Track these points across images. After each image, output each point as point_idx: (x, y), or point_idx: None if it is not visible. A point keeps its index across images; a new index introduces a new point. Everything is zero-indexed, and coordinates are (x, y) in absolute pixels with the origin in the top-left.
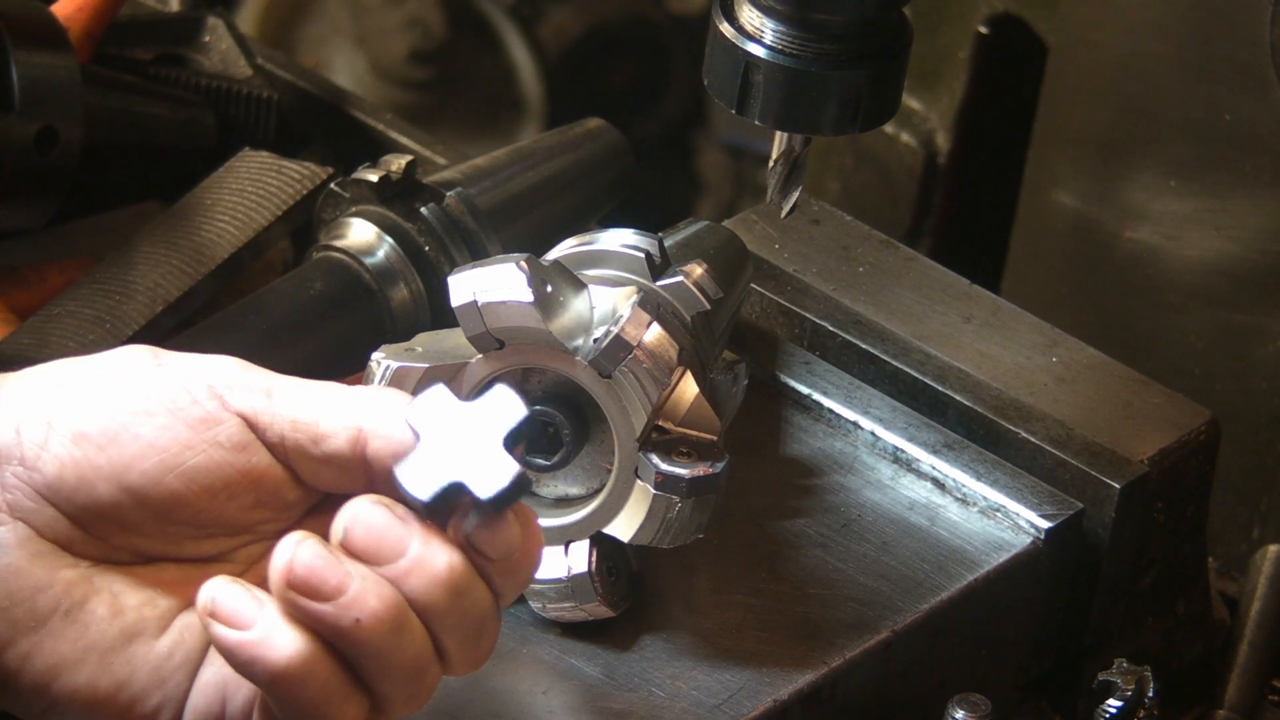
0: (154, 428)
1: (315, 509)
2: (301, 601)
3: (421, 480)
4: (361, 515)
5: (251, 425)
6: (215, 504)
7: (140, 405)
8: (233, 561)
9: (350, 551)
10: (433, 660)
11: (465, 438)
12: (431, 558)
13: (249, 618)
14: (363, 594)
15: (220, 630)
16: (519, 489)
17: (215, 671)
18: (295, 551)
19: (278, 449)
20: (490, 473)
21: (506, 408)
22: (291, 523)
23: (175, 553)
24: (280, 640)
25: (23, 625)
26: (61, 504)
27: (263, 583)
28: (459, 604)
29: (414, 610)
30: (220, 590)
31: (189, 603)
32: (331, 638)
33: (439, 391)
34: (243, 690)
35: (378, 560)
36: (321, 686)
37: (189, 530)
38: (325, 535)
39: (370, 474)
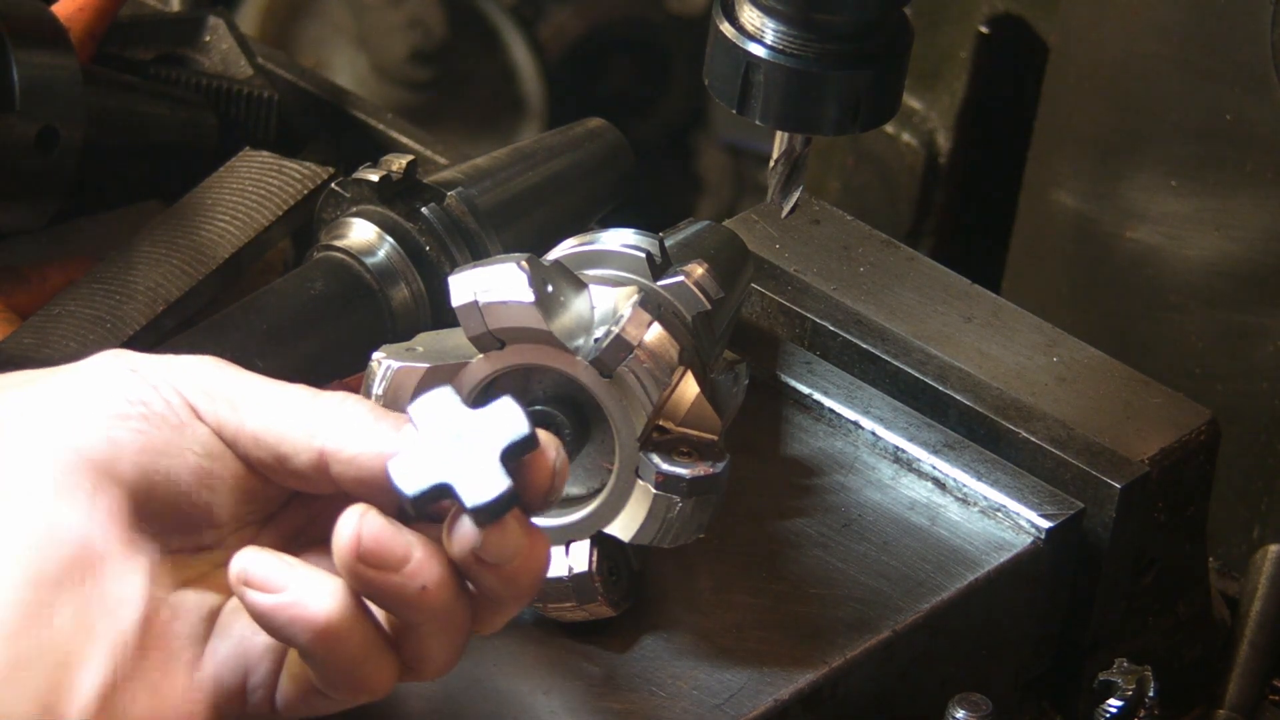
0: (129, 431)
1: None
2: (369, 573)
3: (412, 477)
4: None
5: (219, 436)
6: (197, 505)
7: (116, 409)
8: (224, 548)
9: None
10: (469, 623)
11: (463, 443)
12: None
13: (281, 581)
14: (427, 560)
15: (255, 596)
16: (505, 504)
17: (232, 646)
18: (361, 524)
19: (246, 460)
20: (481, 482)
21: (509, 421)
22: (276, 509)
23: (162, 546)
24: (316, 599)
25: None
26: None
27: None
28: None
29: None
30: (250, 559)
31: (179, 585)
32: (397, 606)
33: (445, 393)
34: (265, 663)
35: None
36: (360, 644)
37: (173, 526)
38: (307, 516)
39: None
